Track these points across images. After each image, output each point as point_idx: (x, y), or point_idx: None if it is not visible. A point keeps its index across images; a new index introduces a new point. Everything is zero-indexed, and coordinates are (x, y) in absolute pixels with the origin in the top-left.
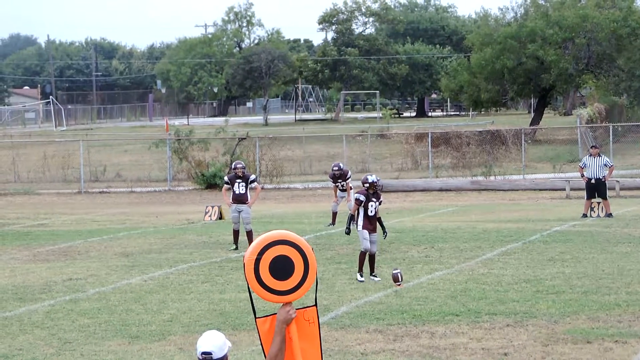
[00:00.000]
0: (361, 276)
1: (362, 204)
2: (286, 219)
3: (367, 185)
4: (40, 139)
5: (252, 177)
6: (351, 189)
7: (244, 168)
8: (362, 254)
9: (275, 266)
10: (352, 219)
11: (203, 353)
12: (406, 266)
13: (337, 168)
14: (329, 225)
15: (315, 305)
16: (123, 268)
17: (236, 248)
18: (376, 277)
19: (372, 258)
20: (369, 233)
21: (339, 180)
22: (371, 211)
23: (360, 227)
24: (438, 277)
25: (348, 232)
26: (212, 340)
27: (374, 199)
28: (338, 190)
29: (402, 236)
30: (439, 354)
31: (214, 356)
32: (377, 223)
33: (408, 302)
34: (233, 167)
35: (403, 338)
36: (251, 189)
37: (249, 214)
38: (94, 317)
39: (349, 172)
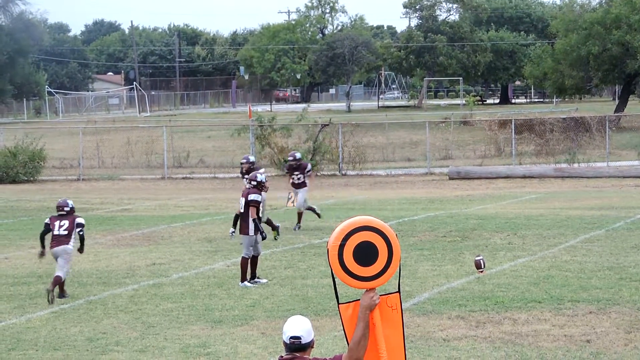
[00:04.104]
0: (252, 281)
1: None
2: (368, 206)
3: (255, 183)
4: (124, 125)
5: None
6: None
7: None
8: (246, 260)
9: (359, 252)
10: (259, 222)
11: (292, 337)
12: (489, 253)
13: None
14: None
15: (399, 291)
16: (206, 253)
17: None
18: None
19: (255, 259)
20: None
21: None
22: (262, 211)
23: (252, 232)
24: (521, 264)
25: (264, 237)
26: (301, 325)
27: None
28: None
29: (485, 223)
30: (522, 341)
31: (303, 340)
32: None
33: (490, 288)
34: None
35: (485, 324)
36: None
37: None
38: (177, 301)
39: None
